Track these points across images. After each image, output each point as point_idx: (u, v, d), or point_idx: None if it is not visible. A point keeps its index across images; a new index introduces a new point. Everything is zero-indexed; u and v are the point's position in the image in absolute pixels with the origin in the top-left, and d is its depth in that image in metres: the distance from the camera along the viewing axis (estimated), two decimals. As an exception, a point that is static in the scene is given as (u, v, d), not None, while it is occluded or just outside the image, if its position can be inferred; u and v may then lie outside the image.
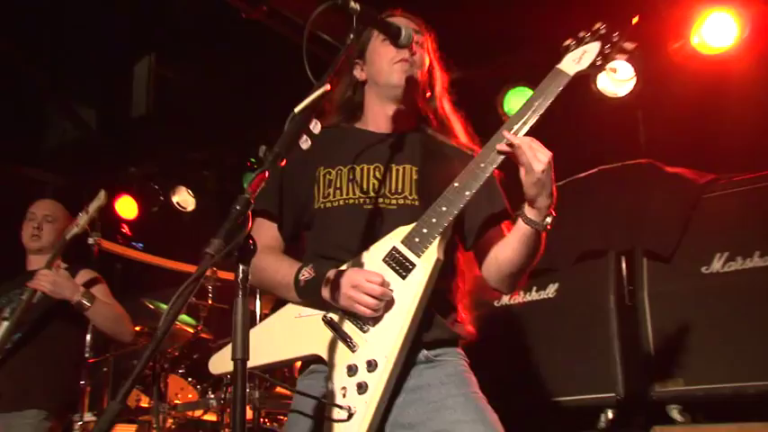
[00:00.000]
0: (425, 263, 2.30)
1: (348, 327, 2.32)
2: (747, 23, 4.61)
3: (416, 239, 2.31)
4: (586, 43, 2.37)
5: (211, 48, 6.65)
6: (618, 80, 5.17)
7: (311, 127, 2.00)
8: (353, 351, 2.28)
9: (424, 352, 2.38)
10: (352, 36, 2.24)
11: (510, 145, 2.28)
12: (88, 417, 4.37)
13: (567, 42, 2.42)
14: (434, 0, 2.77)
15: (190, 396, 5.47)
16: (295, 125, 1.98)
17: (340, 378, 2.27)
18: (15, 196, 4.50)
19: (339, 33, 2.38)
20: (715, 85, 4.82)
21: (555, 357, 4.15)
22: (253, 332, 2.28)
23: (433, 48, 2.70)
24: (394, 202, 2.47)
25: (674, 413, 3.91)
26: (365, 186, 2.49)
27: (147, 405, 5.58)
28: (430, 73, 2.66)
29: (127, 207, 7.52)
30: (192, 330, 5.62)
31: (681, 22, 4.85)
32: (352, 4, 2.23)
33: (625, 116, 5.35)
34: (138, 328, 5.62)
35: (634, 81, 5.06)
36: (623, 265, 4.17)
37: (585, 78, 5.15)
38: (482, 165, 2.33)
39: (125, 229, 7.46)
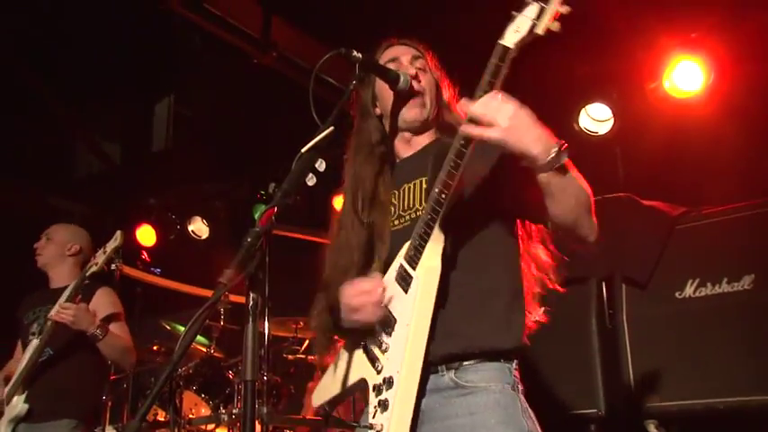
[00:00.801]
0: (420, 273, 2.16)
1: (375, 348, 2.25)
2: (712, 71, 4.67)
3: (412, 253, 2.18)
4: (525, 9, 2.00)
5: (226, 89, 6.73)
6: (598, 120, 5.21)
7: (316, 165, 2.01)
8: (378, 371, 2.20)
9: (451, 375, 2.18)
10: (354, 82, 2.26)
11: (471, 120, 2.01)
12: (109, 430, 4.36)
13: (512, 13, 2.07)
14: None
15: (203, 411, 5.43)
16: (302, 164, 1.99)
17: (372, 398, 2.18)
18: (46, 224, 4.50)
19: (344, 77, 2.40)
20: (685, 125, 4.86)
21: (541, 376, 4.13)
22: (328, 371, 2.30)
23: (434, 64, 2.56)
24: (407, 218, 2.36)
25: (651, 428, 3.89)
26: (398, 204, 2.43)
27: (163, 419, 5.54)
28: (438, 87, 2.51)
29: (146, 235, 7.52)
30: (205, 350, 5.60)
31: (655, 68, 4.90)
32: (354, 53, 2.25)
33: (605, 153, 5.38)
34: (155, 348, 5.62)
35: (612, 121, 5.10)
36: (604, 291, 4.17)
37: (569, 118, 5.26)
38: (452, 161, 2.10)
39: (144, 256, 7.44)
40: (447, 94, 2.53)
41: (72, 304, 3.90)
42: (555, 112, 5.19)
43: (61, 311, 3.88)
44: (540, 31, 1.97)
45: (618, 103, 5.05)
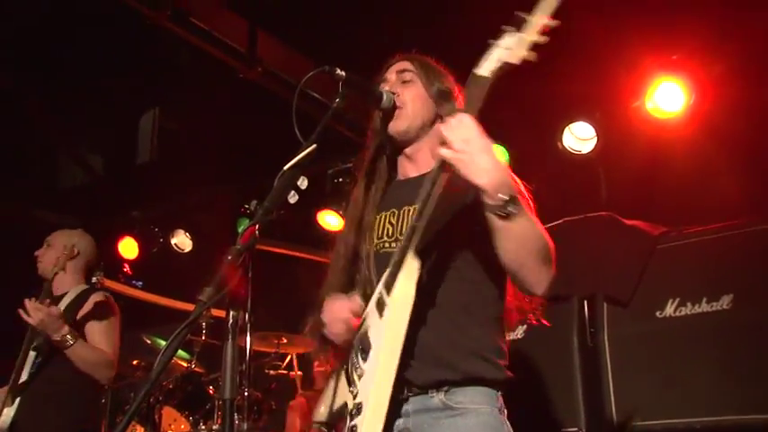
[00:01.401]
0: (392, 301, 2.12)
1: (354, 373, 2.23)
2: (693, 92, 4.73)
3: (388, 279, 2.15)
4: (504, 38, 2.01)
5: (211, 103, 6.72)
6: (581, 139, 5.26)
7: (298, 183, 2.01)
8: (354, 396, 2.18)
9: (441, 396, 2.18)
10: (338, 101, 2.26)
11: (442, 143, 2.01)
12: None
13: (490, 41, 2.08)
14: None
15: (182, 427, 5.40)
16: (284, 181, 1.99)
17: (347, 423, 2.17)
18: (30, 235, 4.45)
19: (329, 92, 2.40)
20: (667, 145, 4.92)
21: (522, 393, 4.13)
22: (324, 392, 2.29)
23: (431, 73, 2.50)
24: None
25: (632, 447, 3.90)
26: (380, 233, 2.42)
27: (142, 435, 5.51)
28: (434, 98, 2.46)
29: (128, 248, 7.49)
30: (185, 364, 5.57)
31: (637, 88, 4.96)
32: (338, 71, 2.26)
33: (588, 172, 5.42)
34: (135, 362, 5.59)
35: (596, 140, 5.14)
36: (585, 309, 4.18)
37: (553, 136, 5.30)
38: (427, 186, 2.10)
39: (126, 269, 7.42)
40: (454, 105, 2.46)
41: (41, 306, 3.81)
42: (539, 131, 5.28)
43: (30, 310, 3.79)
44: (515, 60, 1.98)
45: (601, 123, 5.10)
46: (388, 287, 2.15)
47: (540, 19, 1.96)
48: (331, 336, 2.29)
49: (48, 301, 3.91)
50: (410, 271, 2.13)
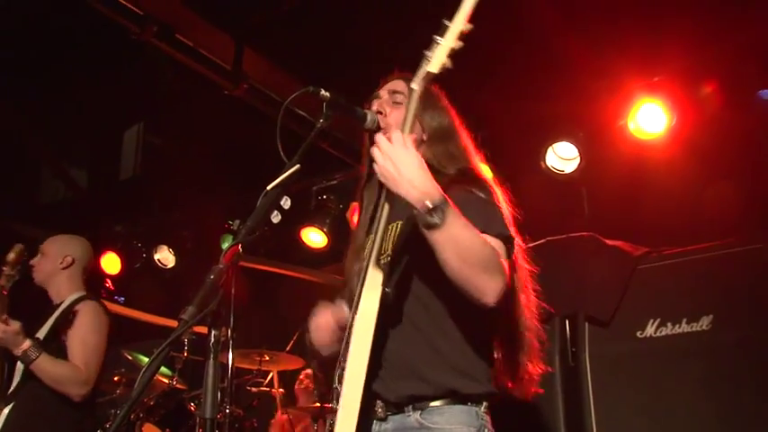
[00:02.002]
0: (357, 317, 2.13)
1: (337, 386, 2.22)
2: (674, 114, 4.80)
3: (356, 298, 2.18)
4: (432, 48, 2.03)
5: (196, 119, 6.73)
6: (564, 158, 5.30)
7: (282, 203, 2.03)
8: (335, 412, 2.17)
9: (417, 416, 2.17)
10: (322, 121, 2.28)
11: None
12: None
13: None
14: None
15: (163, 444, 5.36)
16: (267, 201, 2.01)
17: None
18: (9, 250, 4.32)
19: (314, 109, 2.40)
20: (649, 166, 4.98)
21: (503, 412, 4.14)
22: None
23: (431, 94, 2.47)
24: (384, 261, 2.30)
25: (612, 467, 3.92)
26: (368, 248, 2.40)
27: (122, 452, 5.45)
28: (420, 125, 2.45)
29: (111, 263, 7.45)
30: (167, 381, 5.54)
31: (620, 109, 5.02)
32: (323, 92, 2.27)
33: (571, 191, 5.47)
34: (116, 378, 5.54)
35: (578, 160, 5.19)
36: (567, 329, 4.21)
37: (536, 155, 5.35)
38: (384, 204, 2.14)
39: (108, 284, 7.38)
40: (446, 122, 2.49)
41: None
42: (522, 150, 5.32)
43: None
44: (435, 70, 2.02)
45: (584, 143, 5.15)
46: (355, 306, 2.18)
47: (457, 25, 1.99)
48: (314, 342, 2.31)
49: (5, 316, 3.72)
50: (372, 288, 2.13)
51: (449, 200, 2.00)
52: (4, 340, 3.70)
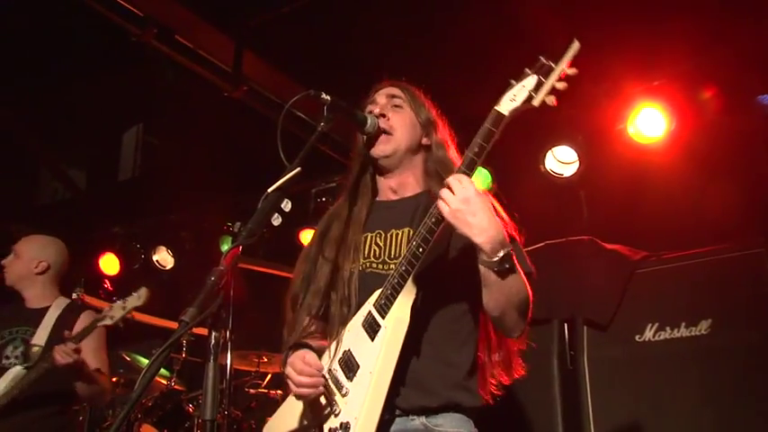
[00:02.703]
0: (389, 324, 2.18)
1: (334, 390, 2.26)
2: (674, 118, 4.81)
3: (383, 301, 2.21)
4: (524, 79, 2.10)
5: (195, 120, 6.74)
6: (563, 162, 5.31)
7: (282, 205, 2.04)
8: (336, 414, 2.21)
9: (423, 420, 2.25)
10: (322, 124, 2.29)
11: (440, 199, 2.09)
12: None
13: (510, 81, 2.16)
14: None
15: (161, 446, 5.37)
16: (268, 204, 2.02)
17: None
18: (9, 251, 4.21)
19: (314, 112, 2.41)
20: (648, 170, 4.98)
21: (502, 416, 4.14)
22: (282, 406, 2.32)
23: (426, 104, 2.59)
24: (392, 266, 2.33)
25: (609, 469, 3.93)
26: (366, 253, 2.45)
27: (119, 453, 5.45)
28: (416, 125, 2.52)
29: (110, 264, 7.46)
30: (165, 382, 5.54)
31: (619, 113, 5.03)
32: (323, 95, 2.30)
33: (570, 195, 5.47)
34: (114, 379, 5.54)
35: (578, 163, 5.19)
36: (566, 332, 4.21)
37: (535, 159, 5.35)
38: (427, 223, 2.15)
39: (107, 285, 7.38)
40: (440, 135, 2.55)
41: (68, 350, 3.55)
42: (522, 154, 5.33)
43: (66, 355, 3.55)
44: (536, 103, 2.07)
45: (583, 147, 5.15)
46: (382, 310, 2.21)
47: (562, 65, 2.05)
48: (295, 390, 2.28)
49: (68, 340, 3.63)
50: (408, 296, 2.21)
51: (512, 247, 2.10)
52: (72, 364, 3.58)
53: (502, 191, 2.41)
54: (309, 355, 2.28)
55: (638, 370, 3.92)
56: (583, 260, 4.30)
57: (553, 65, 2.05)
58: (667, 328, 3.90)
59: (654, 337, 3.93)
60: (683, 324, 3.86)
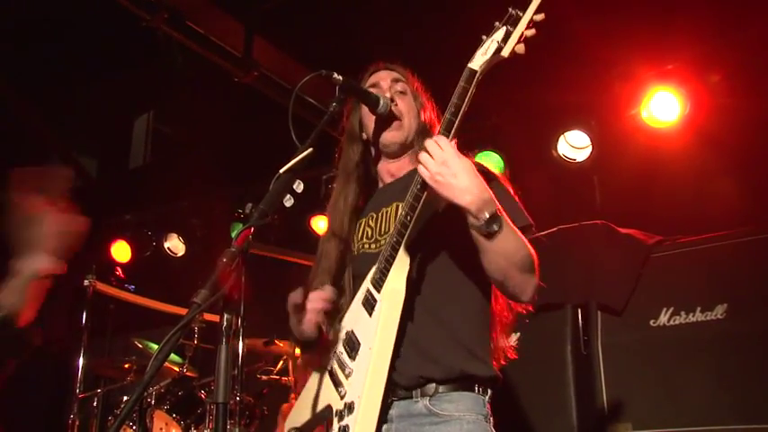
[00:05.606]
0: (383, 297, 2.16)
1: (339, 373, 2.23)
2: (688, 102, 4.74)
3: (378, 276, 2.20)
4: (494, 33, 2.03)
5: (205, 107, 6.70)
6: (576, 147, 5.26)
7: (294, 186, 2.01)
8: (342, 396, 2.18)
9: (426, 402, 2.17)
10: (335, 104, 2.27)
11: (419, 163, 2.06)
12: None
13: (482, 37, 2.09)
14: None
15: (173, 431, 5.35)
16: (280, 185, 1.98)
17: (335, 424, 2.16)
18: None
19: (326, 98, 2.39)
20: (662, 154, 4.92)
21: (515, 401, 4.12)
22: (299, 399, 2.31)
23: (417, 87, 2.58)
24: (382, 242, 2.34)
25: (624, 455, 3.89)
26: (359, 236, 2.46)
27: (133, 439, 5.45)
28: (417, 110, 2.52)
29: (121, 251, 7.45)
30: (177, 369, 5.53)
31: (632, 97, 4.96)
32: (335, 75, 2.27)
33: (583, 180, 5.42)
34: (126, 366, 5.54)
35: (590, 148, 5.14)
36: (579, 317, 4.18)
37: (548, 144, 5.30)
38: (413, 191, 2.13)
39: (119, 272, 7.38)
40: (428, 116, 2.53)
41: None
42: (534, 138, 5.28)
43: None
44: (506, 54, 2.00)
45: (596, 131, 5.10)
46: (378, 284, 2.18)
47: (529, 13, 1.98)
48: (303, 327, 2.29)
49: None
50: (401, 267, 2.17)
51: (499, 206, 2.03)
52: None
53: (514, 176, 2.36)
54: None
55: (652, 355, 3.89)
56: (596, 245, 4.26)
57: (520, 13, 1.98)
58: (682, 313, 3.86)
59: (669, 321, 3.88)
60: (699, 309, 3.81)
